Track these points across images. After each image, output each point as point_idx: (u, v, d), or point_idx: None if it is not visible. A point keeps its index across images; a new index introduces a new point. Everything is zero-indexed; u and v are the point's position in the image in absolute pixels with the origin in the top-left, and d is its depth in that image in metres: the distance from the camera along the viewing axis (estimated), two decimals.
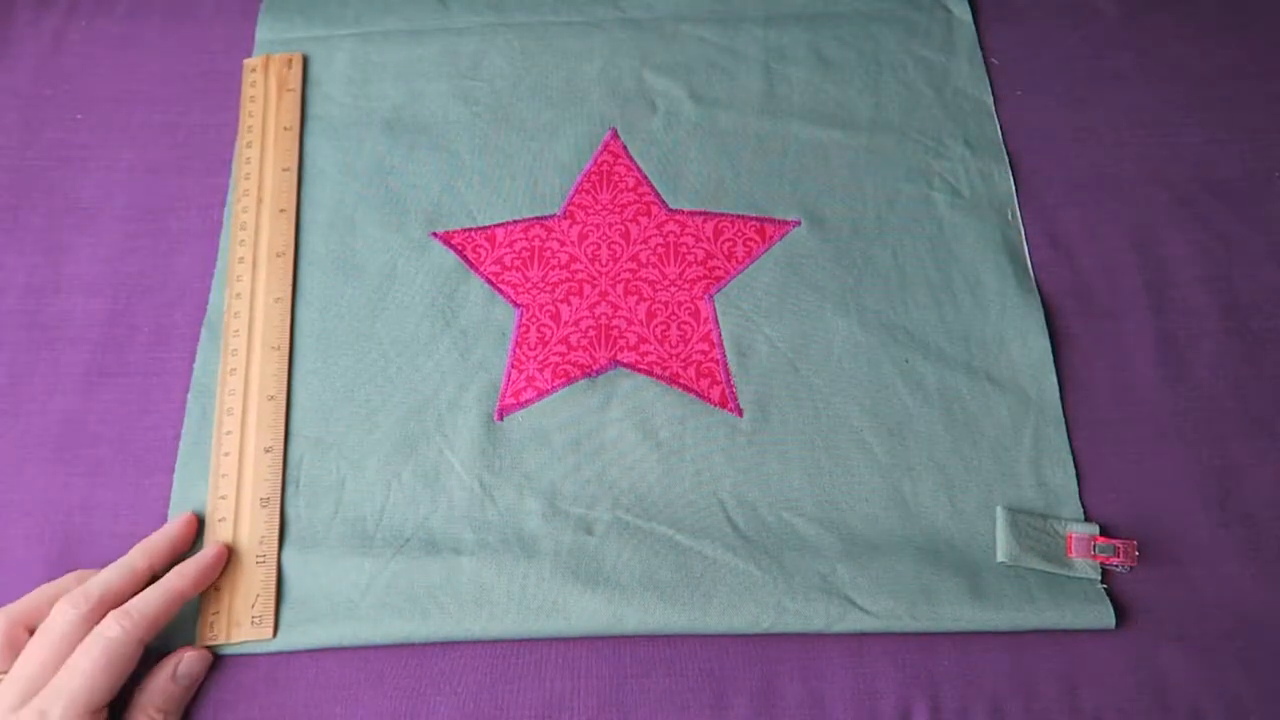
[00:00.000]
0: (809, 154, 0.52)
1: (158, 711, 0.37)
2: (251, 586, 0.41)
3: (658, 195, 0.51)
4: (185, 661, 0.39)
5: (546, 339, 0.47)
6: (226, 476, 0.43)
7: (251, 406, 0.45)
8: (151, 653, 0.39)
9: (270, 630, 0.40)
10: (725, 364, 0.46)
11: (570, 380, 0.46)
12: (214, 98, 0.54)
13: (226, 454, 0.44)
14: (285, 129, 0.53)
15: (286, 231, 0.49)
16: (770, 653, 0.41)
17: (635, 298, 0.48)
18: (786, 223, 0.50)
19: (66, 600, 0.37)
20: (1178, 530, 0.43)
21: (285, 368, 0.46)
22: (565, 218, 0.51)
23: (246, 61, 0.55)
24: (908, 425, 0.45)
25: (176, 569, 0.40)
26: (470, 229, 0.50)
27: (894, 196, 0.51)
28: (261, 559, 0.42)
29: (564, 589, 0.41)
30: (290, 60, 0.55)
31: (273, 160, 0.52)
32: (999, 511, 0.42)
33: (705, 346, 0.47)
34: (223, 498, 0.43)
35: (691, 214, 0.51)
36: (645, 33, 0.56)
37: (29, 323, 0.48)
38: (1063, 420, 0.45)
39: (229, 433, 0.44)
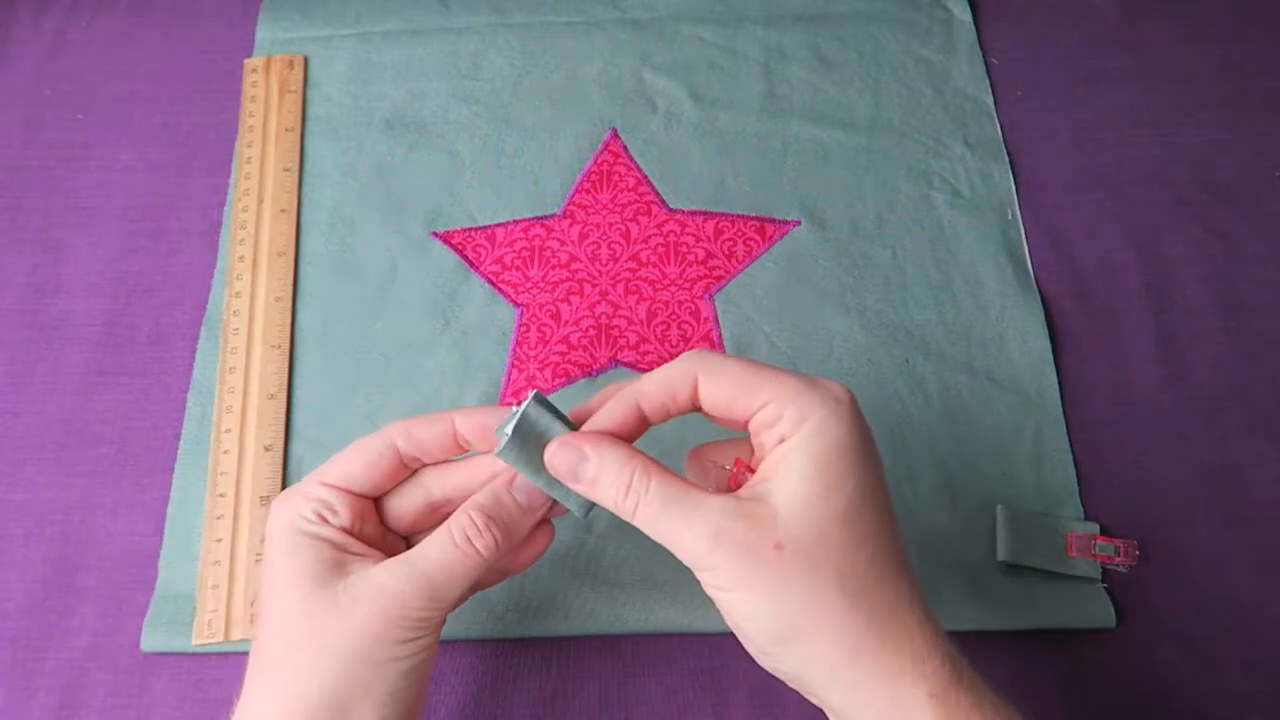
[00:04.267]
0: (809, 154, 0.52)
1: (479, 514, 0.32)
2: (251, 584, 0.41)
3: (658, 195, 0.51)
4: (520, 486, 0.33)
5: (547, 338, 0.47)
6: (226, 475, 0.43)
7: (251, 405, 0.45)
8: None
9: None
10: None
11: (571, 380, 0.46)
12: (214, 98, 0.54)
13: (226, 452, 0.44)
14: (286, 130, 0.53)
15: (287, 231, 0.49)
16: None
17: (635, 297, 0.48)
18: (786, 222, 0.50)
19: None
20: (1178, 530, 0.43)
21: (286, 366, 0.46)
22: (565, 217, 0.51)
23: (247, 62, 0.55)
24: (908, 425, 0.45)
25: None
26: (470, 229, 0.50)
27: (894, 196, 0.51)
28: (261, 558, 0.41)
29: (564, 588, 0.41)
30: (291, 62, 0.55)
31: (273, 160, 0.51)
32: (999, 510, 0.42)
33: (705, 346, 0.47)
34: (222, 496, 0.43)
35: (691, 213, 0.51)
36: (645, 33, 0.56)
37: (29, 323, 0.48)
38: (1063, 420, 0.45)
39: (228, 431, 0.44)
